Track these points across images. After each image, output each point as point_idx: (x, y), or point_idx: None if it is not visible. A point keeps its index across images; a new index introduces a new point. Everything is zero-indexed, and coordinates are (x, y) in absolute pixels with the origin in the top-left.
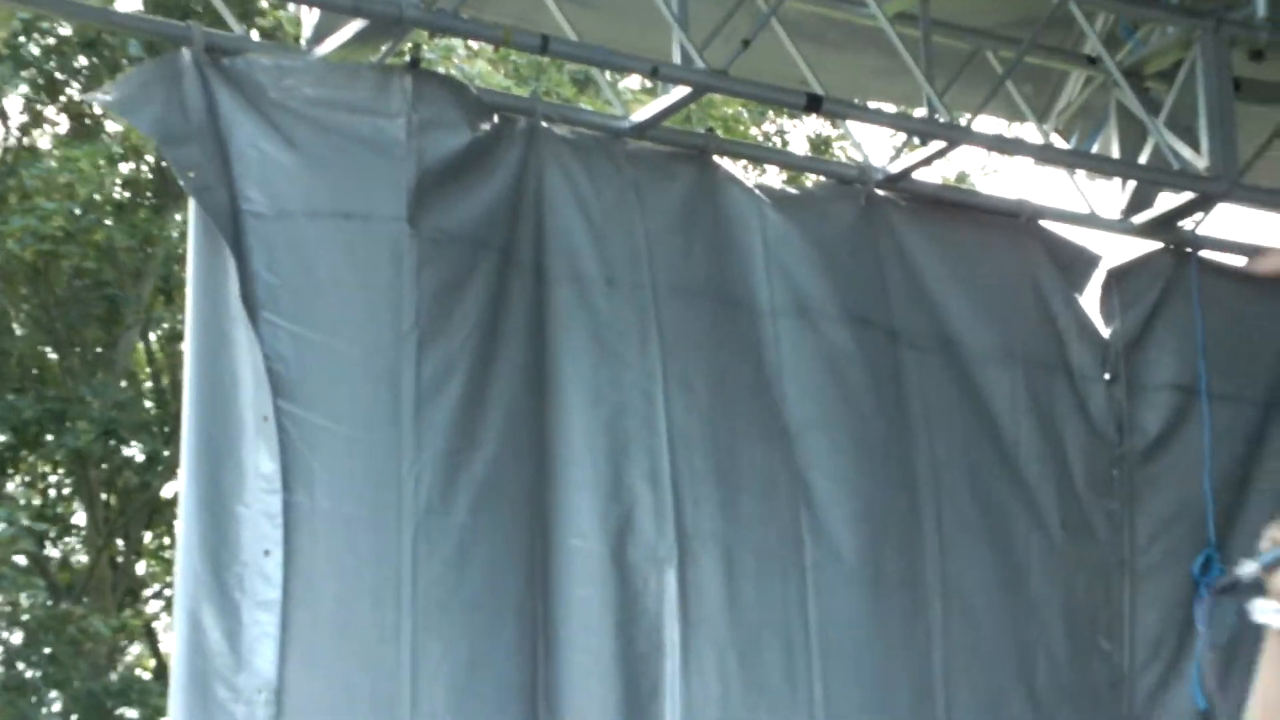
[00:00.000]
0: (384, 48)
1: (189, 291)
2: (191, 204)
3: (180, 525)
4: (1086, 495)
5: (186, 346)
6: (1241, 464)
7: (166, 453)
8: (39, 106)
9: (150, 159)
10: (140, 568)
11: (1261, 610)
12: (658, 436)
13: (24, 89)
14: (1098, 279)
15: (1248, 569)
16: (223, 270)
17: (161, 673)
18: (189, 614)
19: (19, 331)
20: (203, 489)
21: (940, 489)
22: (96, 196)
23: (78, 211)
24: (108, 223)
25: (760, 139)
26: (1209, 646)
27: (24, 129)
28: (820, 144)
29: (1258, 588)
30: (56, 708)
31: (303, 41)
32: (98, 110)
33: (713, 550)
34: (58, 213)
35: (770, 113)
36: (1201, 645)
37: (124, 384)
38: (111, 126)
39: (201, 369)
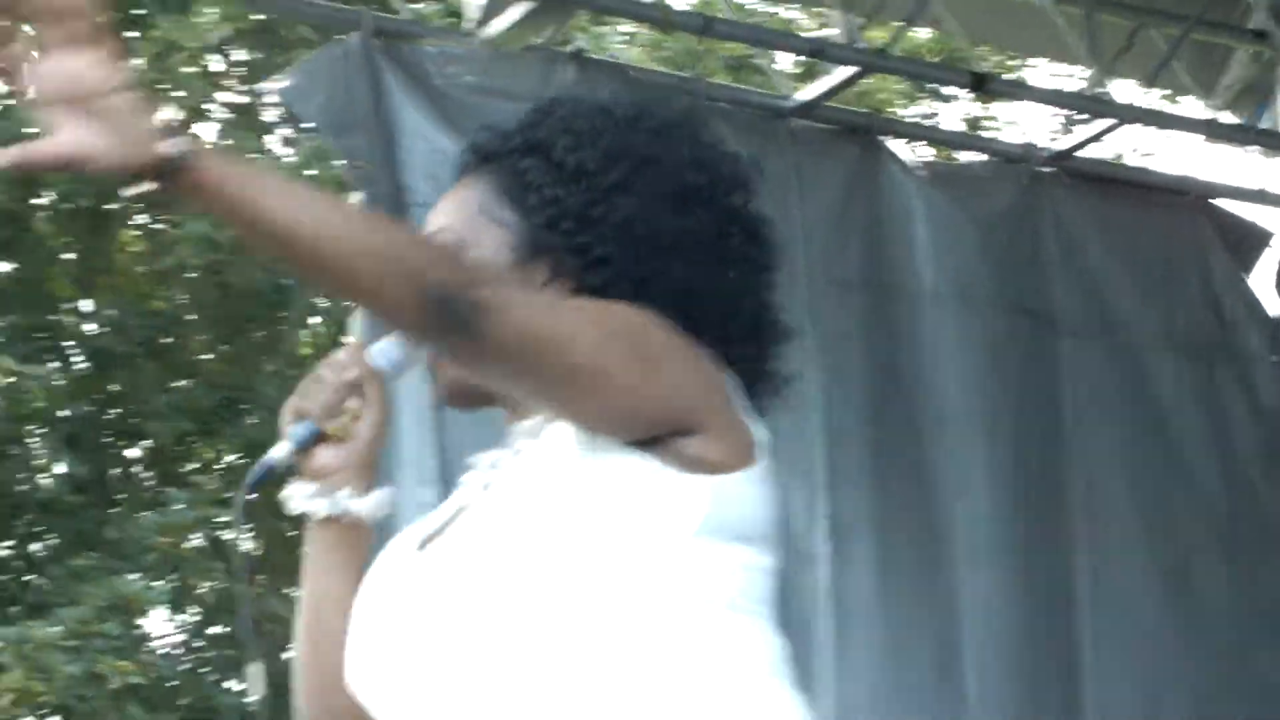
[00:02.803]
0: (547, 32)
1: None
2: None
3: None
4: (1259, 481)
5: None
6: None
7: None
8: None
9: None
10: None
11: (299, 497)
12: (811, 434)
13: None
14: (1268, 257)
15: (280, 452)
16: None
17: None
18: None
19: (189, 320)
20: None
21: (1093, 482)
22: None
23: None
24: None
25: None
26: None
27: (185, 123)
28: (971, 126)
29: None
30: (236, 687)
31: (469, 23)
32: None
33: (865, 539)
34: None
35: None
36: None
37: (291, 370)
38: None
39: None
